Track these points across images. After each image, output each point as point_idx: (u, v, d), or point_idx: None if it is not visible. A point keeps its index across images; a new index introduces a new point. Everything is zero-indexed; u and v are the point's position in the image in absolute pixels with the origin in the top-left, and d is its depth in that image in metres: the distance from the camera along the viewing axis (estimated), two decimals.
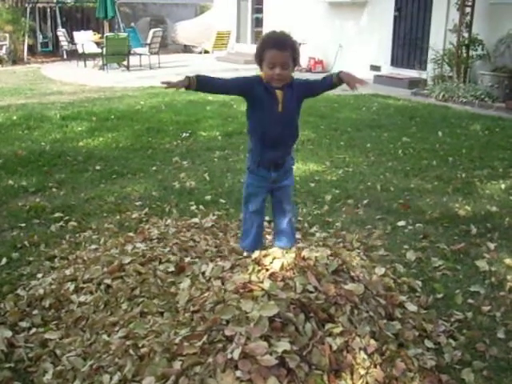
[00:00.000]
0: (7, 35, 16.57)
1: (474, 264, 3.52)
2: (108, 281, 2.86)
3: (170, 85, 2.77)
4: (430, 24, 11.98)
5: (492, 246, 3.79)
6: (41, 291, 2.95)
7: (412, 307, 2.80)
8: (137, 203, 4.57)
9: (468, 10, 10.58)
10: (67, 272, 3.12)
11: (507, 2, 10.33)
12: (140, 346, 2.28)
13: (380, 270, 3.11)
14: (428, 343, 2.58)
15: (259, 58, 2.86)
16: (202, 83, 2.83)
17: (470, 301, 3.08)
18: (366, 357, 2.20)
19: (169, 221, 3.99)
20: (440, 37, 11.62)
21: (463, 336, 2.72)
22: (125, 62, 14.87)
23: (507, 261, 3.56)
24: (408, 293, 3.10)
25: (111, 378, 2.18)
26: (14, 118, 7.98)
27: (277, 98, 2.86)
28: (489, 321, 2.89)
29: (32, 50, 17.95)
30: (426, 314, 2.84)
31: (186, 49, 20.98)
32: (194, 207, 4.45)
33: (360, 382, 2.13)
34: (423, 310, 2.88)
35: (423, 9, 12.16)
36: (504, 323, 2.86)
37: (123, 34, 15.25)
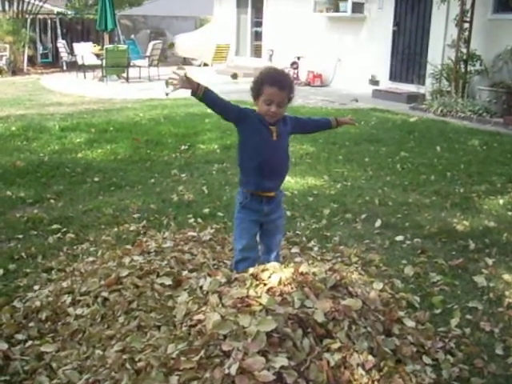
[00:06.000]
0: (7, 46, 16.62)
1: (472, 279, 3.52)
2: (105, 294, 2.86)
3: (178, 80, 2.77)
4: (429, 39, 12.07)
5: (490, 261, 3.79)
6: (37, 303, 2.94)
7: (410, 323, 2.79)
8: (135, 215, 4.57)
9: (466, 25, 10.67)
10: (64, 284, 3.12)
11: (505, 18, 10.43)
12: (136, 360, 2.27)
13: (378, 285, 3.10)
14: (426, 359, 2.56)
15: (256, 92, 2.87)
16: (208, 94, 2.83)
17: (468, 317, 3.07)
18: (363, 373, 2.19)
19: (166, 234, 3.98)
20: (438, 52, 11.71)
21: (461, 352, 2.71)
22: (124, 74, 14.92)
23: (505, 276, 3.57)
24: (406, 308, 3.09)
25: None
26: (13, 128, 7.99)
27: (270, 130, 2.89)
28: (487, 337, 2.88)
29: (32, 60, 18.02)
30: (424, 329, 2.84)
31: (186, 61, 21.06)
32: (191, 220, 4.44)
33: None
34: (421, 326, 2.88)
35: (422, 24, 12.25)
36: (502, 339, 2.85)
37: (123, 46, 15.31)
